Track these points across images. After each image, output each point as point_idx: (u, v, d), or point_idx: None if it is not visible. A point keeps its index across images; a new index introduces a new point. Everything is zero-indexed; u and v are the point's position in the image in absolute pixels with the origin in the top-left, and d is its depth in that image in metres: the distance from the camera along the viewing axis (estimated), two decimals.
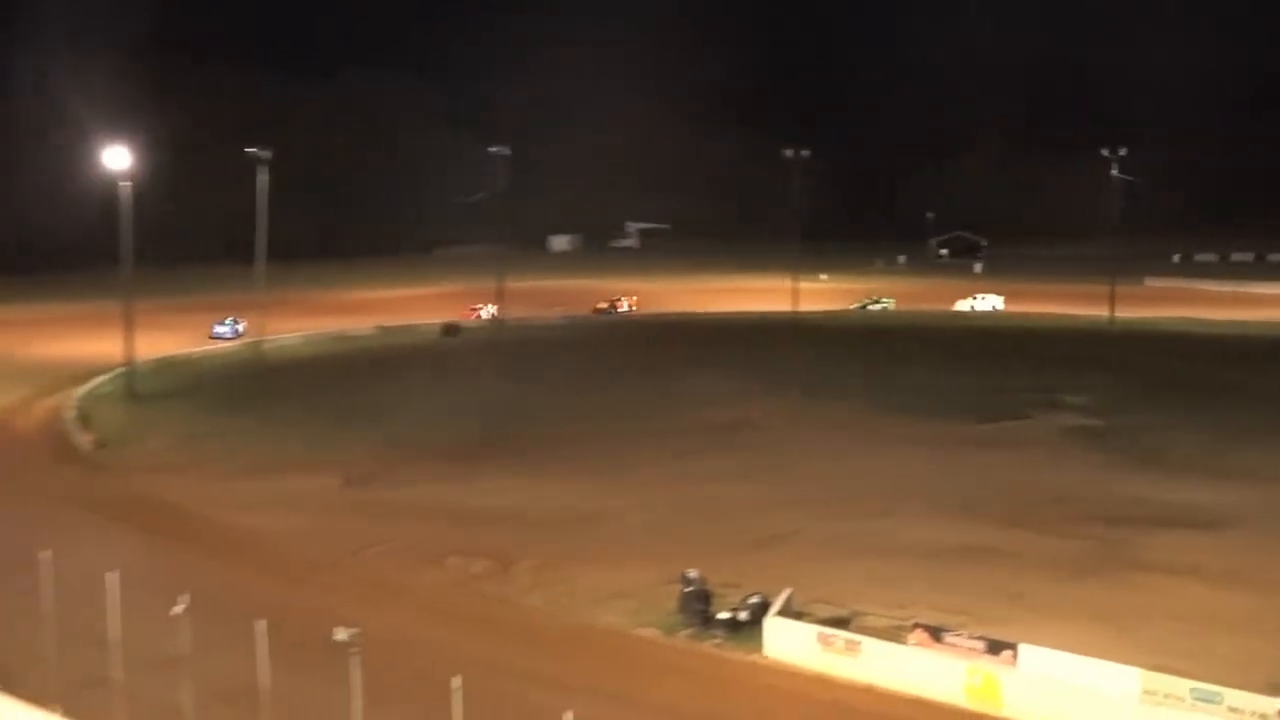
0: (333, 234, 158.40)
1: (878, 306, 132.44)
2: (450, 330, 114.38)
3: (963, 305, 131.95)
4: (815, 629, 40.30)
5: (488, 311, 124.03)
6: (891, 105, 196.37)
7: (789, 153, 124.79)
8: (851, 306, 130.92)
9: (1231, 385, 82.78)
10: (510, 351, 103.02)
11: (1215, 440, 66.75)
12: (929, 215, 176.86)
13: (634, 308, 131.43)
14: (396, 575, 48.74)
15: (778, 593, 42.19)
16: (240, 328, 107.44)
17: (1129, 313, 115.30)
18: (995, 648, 37.45)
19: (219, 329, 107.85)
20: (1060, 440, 69.95)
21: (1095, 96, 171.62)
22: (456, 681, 25.67)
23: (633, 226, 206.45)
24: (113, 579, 31.90)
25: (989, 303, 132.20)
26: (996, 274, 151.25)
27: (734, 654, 40.90)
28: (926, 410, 75.84)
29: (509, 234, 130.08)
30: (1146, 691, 34.66)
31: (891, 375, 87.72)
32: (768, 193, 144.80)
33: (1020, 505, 55.97)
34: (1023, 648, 37.14)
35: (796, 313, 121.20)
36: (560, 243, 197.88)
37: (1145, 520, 53.23)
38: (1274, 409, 73.24)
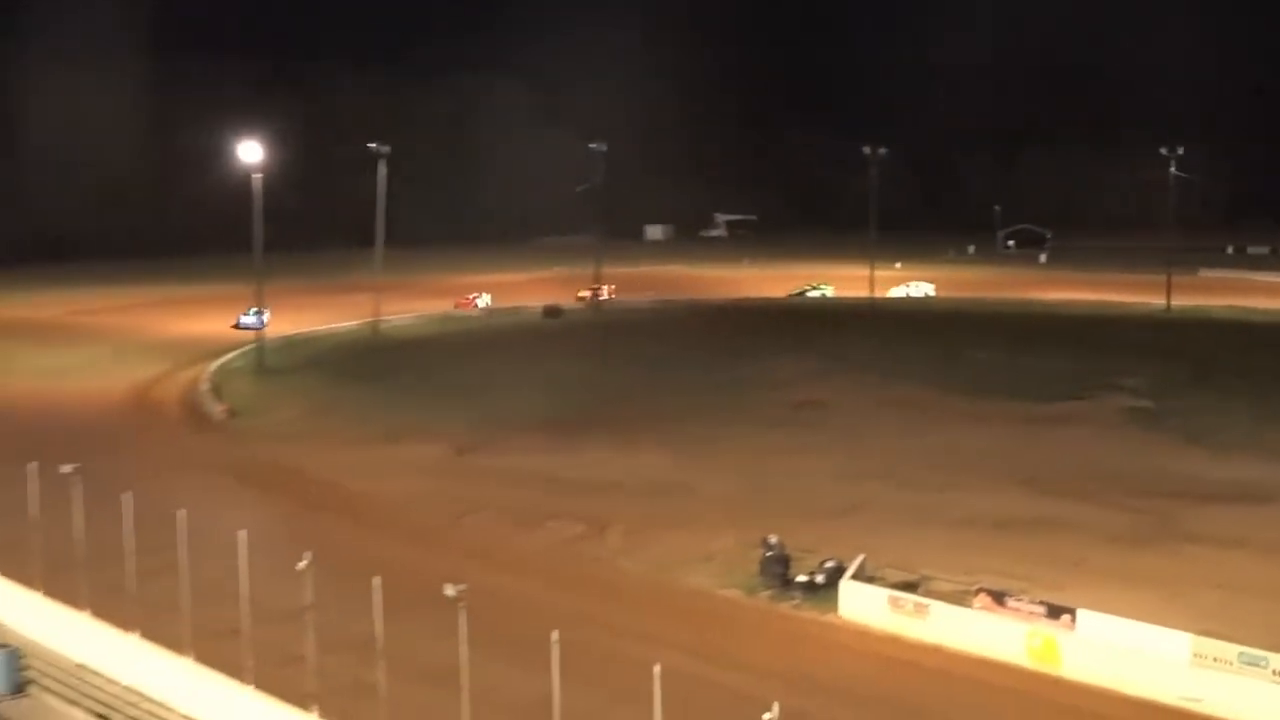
0: (441, 223, 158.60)
1: (816, 293, 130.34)
2: (551, 312, 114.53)
3: (897, 292, 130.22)
4: (886, 592, 40.43)
5: (483, 300, 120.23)
6: (961, 103, 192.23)
7: (867, 149, 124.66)
8: (790, 293, 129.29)
9: (1276, 367, 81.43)
10: (606, 333, 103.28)
11: (1262, 422, 65.66)
12: (996, 208, 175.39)
13: (613, 295, 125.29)
14: (501, 537, 49.21)
15: (852, 558, 42.38)
16: (265, 317, 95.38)
17: (1183, 301, 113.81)
18: (1054, 612, 37.41)
19: (245, 319, 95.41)
20: (1117, 420, 69.12)
21: (1149, 94, 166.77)
22: (555, 635, 25.89)
23: (721, 218, 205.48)
24: (242, 537, 32.41)
25: (921, 289, 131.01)
26: (1060, 264, 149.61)
27: (811, 614, 41.13)
28: (991, 390, 75.22)
29: (607, 224, 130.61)
30: (1196, 655, 34.48)
31: (959, 357, 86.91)
32: (848, 187, 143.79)
33: (1079, 480, 55.56)
34: (1080, 612, 37.07)
35: (872, 298, 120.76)
36: (654, 232, 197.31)
37: (1196, 495, 52.70)
38: None
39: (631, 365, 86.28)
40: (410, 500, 54.73)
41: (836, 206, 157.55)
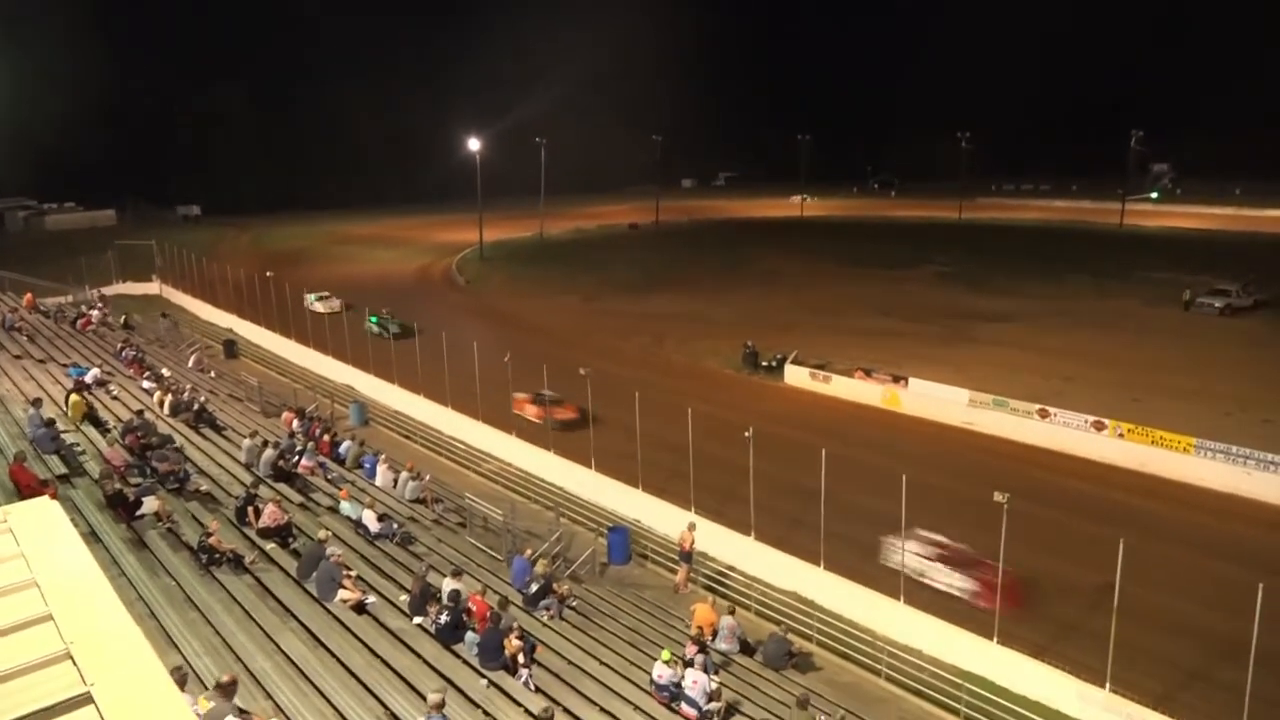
0: (576, 180, 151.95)
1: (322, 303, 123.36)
2: (632, 226, 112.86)
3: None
4: (808, 370, 40.74)
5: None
6: (853, 107, 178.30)
7: (800, 137, 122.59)
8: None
9: (1019, 249, 79.92)
10: (663, 238, 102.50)
11: (1011, 277, 64.72)
12: (869, 167, 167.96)
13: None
14: (609, 343, 49.60)
15: (791, 352, 42.62)
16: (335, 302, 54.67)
17: (969, 215, 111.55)
18: (897, 379, 37.73)
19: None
20: (931, 279, 68.00)
21: (965, 99, 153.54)
22: (636, 394, 26.39)
23: (722, 174, 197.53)
24: (475, 345, 33.00)
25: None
26: (904, 197, 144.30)
27: (769, 382, 41.58)
28: (866, 263, 74.14)
29: (662, 179, 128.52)
30: (971, 400, 34.89)
31: (854, 247, 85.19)
32: (792, 156, 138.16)
33: (910, 310, 55.27)
34: (912, 380, 37.31)
35: (802, 217, 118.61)
36: (687, 183, 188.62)
37: (975, 317, 52.45)
38: (1039, 261, 71.05)
39: (676, 253, 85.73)
40: (561, 324, 55.18)
41: (786, 166, 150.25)
